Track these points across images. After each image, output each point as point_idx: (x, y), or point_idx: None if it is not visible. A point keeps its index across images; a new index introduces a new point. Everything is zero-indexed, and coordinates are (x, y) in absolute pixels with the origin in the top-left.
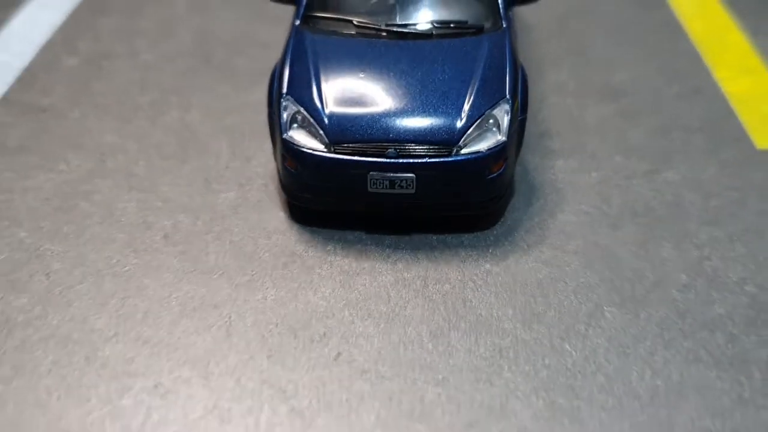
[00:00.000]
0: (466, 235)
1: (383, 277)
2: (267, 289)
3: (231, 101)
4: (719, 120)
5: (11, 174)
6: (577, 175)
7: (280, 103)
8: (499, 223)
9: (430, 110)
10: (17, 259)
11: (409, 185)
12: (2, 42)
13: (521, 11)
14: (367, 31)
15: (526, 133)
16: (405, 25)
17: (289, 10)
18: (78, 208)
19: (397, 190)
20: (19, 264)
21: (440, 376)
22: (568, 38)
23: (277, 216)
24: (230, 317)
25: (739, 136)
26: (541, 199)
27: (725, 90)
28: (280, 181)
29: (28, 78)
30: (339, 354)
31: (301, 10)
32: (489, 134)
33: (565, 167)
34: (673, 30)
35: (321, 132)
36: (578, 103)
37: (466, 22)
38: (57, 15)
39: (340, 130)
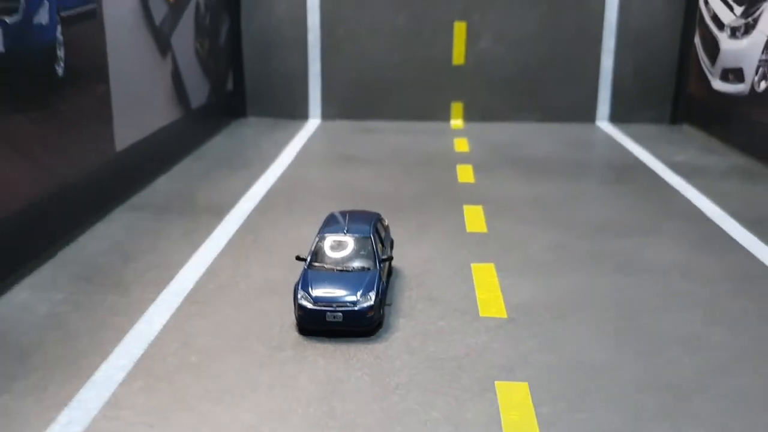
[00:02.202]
0: (362, 339)
1: (329, 352)
2: (287, 354)
3: (276, 310)
4: (470, 310)
5: (195, 321)
6: (406, 332)
7: (298, 291)
8: (375, 336)
9: (348, 292)
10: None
11: (340, 317)
12: (185, 272)
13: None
14: (329, 269)
15: (394, 321)
16: (343, 269)
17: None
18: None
19: (336, 320)
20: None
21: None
22: (420, 286)
23: (293, 335)
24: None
25: (474, 312)
26: (393, 331)
27: (478, 297)
28: (296, 320)
29: (199, 285)
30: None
31: (307, 262)
32: (367, 301)
33: (403, 335)
34: (467, 276)
35: (311, 299)
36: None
37: (363, 266)
38: (202, 269)
39: (317, 299)
